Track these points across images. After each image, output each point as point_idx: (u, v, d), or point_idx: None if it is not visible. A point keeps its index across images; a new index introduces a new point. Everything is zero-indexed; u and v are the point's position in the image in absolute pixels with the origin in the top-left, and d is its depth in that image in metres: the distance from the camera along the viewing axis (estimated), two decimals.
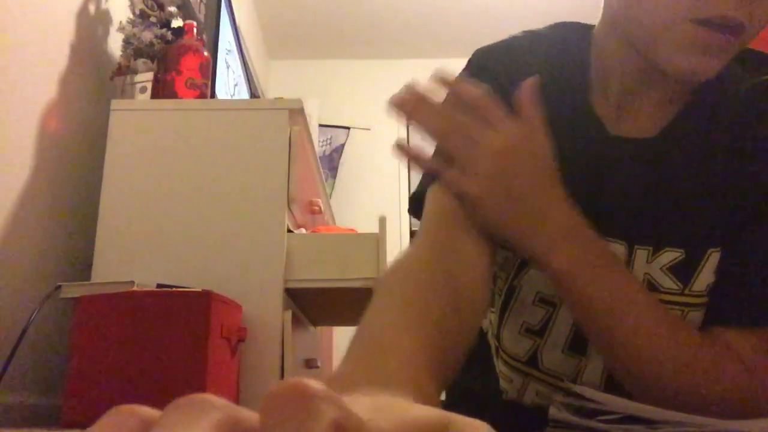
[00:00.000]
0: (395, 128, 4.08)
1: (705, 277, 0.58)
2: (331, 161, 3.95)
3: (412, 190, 0.69)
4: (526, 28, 0.71)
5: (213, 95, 1.71)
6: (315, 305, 1.79)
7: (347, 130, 4.02)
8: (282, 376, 1.39)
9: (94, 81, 1.63)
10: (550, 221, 0.54)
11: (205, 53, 1.66)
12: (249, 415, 0.17)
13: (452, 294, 0.49)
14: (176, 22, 1.70)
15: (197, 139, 1.52)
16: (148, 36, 1.63)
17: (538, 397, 0.68)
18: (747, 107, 0.60)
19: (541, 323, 0.65)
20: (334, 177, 3.91)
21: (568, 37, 0.67)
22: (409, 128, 4.11)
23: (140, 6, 1.69)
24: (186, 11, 1.92)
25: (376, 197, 3.82)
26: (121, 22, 1.68)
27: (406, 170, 3.99)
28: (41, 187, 1.40)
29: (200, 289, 1.20)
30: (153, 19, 1.68)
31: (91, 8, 1.64)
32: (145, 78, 1.59)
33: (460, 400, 0.71)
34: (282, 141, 1.53)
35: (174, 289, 1.23)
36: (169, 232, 1.45)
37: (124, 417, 0.17)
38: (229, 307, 1.28)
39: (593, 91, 0.64)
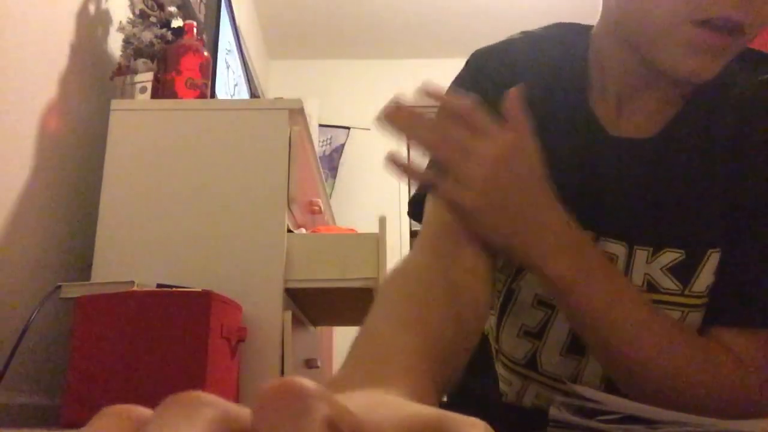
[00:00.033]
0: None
1: (705, 277, 0.58)
2: (331, 161, 3.95)
3: (412, 191, 0.69)
4: (526, 29, 0.71)
5: (213, 95, 1.71)
6: (315, 305, 1.79)
7: (347, 130, 4.02)
8: (282, 376, 1.39)
9: (94, 81, 1.63)
10: (546, 229, 0.53)
11: (205, 53, 1.66)
12: (242, 412, 0.17)
13: (453, 299, 0.49)
14: (176, 22, 1.70)
15: (197, 139, 1.52)
16: (148, 36, 1.63)
17: (537, 399, 0.68)
18: (746, 106, 0.59)
19: (539, 325, 0.65)
20: (334, 177, 3.91)
21: (567, 38, 0.67)
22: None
23: (140, 6, 1.69)
24: (186, 11, 1.92)
25: (376, 197, 3.81)
26: (121, 22, 1.68)
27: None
28: (41, 187, 1.40)
29: (200, 289, 1.20)
30: (153, 19, 1.68)
31: (91, 8, 1.64)
32: (145, 78, 1.59)
33: (460, 402, 0.71)
34: (282, 141, 1.53)
35: (174, 289, 1.23)
36: (169, 232, 1.45)
37: (115, 417, 0.17)
38: (229, 307, 1.27)
39: (592, 91, 0.64)
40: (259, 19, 3.74)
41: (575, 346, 0.63)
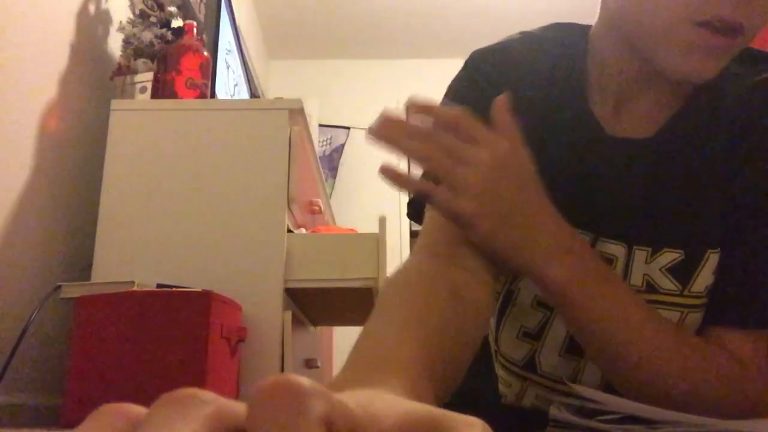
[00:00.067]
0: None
1: (704, 278, 0.58)
2: (331, 161, 3.95)
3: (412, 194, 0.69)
4: (525, 29, 0.71)
5: (213, 95, 1.71)
6: (315, 305, 1.79)
7: (347, 130, 4.02)
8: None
9: (94, 81, 1.63)
10: (543, 235, 0.53)
11: (205, 53, 1.66)
12: (238, 408, 0.17)
13: (454, 301, 0.48)
14: (176, 22, 1.70)
15: (197, 139, 1.52)
16: (148, 36, 1.63)
17: (537, 400, 0.68)
18: (745, 106, 0.59)
19: (538, 326, 0.65)
20: (334, 177, 3.91)
21: (565, 38, 0.67)
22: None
23: (140, 6, 1.69)
24: (186, 11, 1.92)
25: (376, 197, 3.81)
26: (121, 22, 1.68)
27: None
28: (41, 187, 1.40)
29: (200, 289, 1.20)
30: (153, 19, 1.68)
31: (91, 8, 1.64)
32: (145, 78, 1.59)
33: (459, 402, 0.71)
34: (282, 141, 1.53)
35: (174, 289, 1.23)
36: (169, 232, 1.45)
37: (110, 416, 0.17)
38: (229, 307, 1.27)
39: (591, 91, 0.64)
40: (259, 19, 3.74)
41: (574, 347, 0.63)
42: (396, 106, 4.15)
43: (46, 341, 1.36)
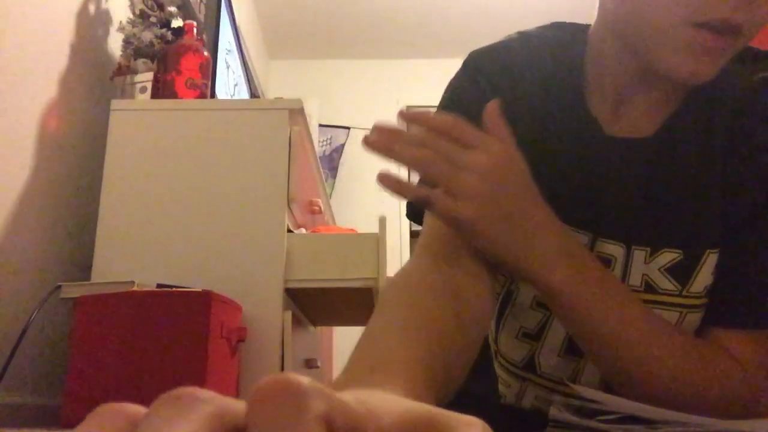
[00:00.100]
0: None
1: (703, 278, 0.58)
2: (331, 161, 3.95)
3: None
4: (525, 28, 0.71)
5: (213, 95, 1.71)
6: (315, 305, 1.79)
7: (347, 130, 4.02)
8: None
9: (94, 81, 1.63)
10: (543, 238, 0.53)
11: (205, 53, 1.66)
12: (238, 407, 0.17)
13: (454, 303, 0.48)
14: (176, 22, 1.70)
15: (197, 139, 1.52)
16: (148, 36, 1.63)
17: (536, 400, 0.68)
18: (744, 105, 0.59)
19: (538, 327, 0.65)
20: (334, 177, 3.91)
21: (563, 38, 0.67)
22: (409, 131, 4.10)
23: (140, 6, 1.69)
24: (186, 11, 1.92)
25: (376, 197, 3.81)
26: (121, 22, 1.68)
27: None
28: (41, 187, 1.40)
29: (200, 289, 1.20)
30: (153, 19, 1.68)
31: (91, 8, 1.64)
32: (145, 78, 1.59)
33: (459, 403, 0.71)
34: (282, 141, 1.53)
35: (174, 289, 1.23)
36: (169, 232, 1.45)
37: (109, 416, 0.17)
38: (229, 307, 1.27)
39: (589, 91, 0.64)
40: (259, 19, 3.74)
41: (574, 347, 0.63)
42: (396, 106, 4.15)
43: (46, 341, 1.36)
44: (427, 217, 0.62)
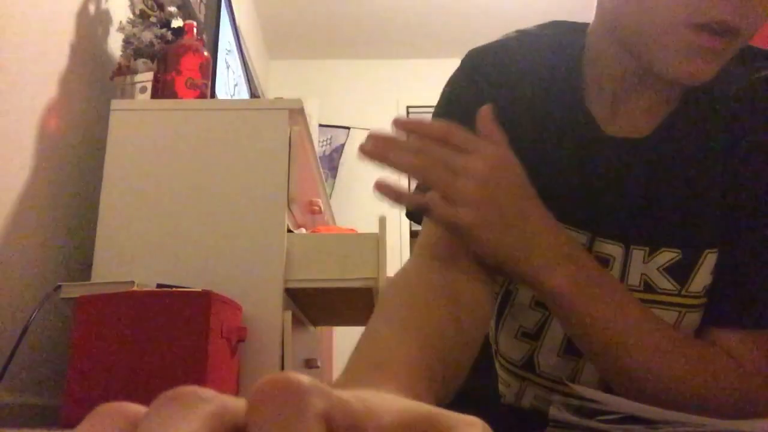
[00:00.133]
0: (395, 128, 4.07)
1: (701, 278, 0.58)
2: (331, 161, 3.95)
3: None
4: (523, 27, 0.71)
5: (213, 95, 1.71)
6: (315, 305, 1.79)
7: (347, 130, 4.02)
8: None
9: (94, 81, 1.63)
10: (542, 242, 0.53)
11: (205, 53, 1.66)
12: (239, 405, 0.17)
13: (453, 303, 0.48)
14: (176, 22, 1.70)
15: (197, 139, 1.52)
16: (148, 36, 1.63)
17: (535, 400, 0.67)
18: (743, 104, 0.59)
19: (537, 326, 0.65)
20: (334, 177, 3.91)
21: (562, 37, 0.67)
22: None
23: (140, 6, 1.69)
24: (186, 11, 1.92)
25: (375, 197, 3.81)
26: (121, 22, 1.68)
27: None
28: (41, 187, 1.40)
29: (200, 289, 1.20)
30: (153, 19, 1.68)
31: (91, 8, 1.64)
32: (145, 78, 1.59)
33: (460, 402, 0.71)
34: (282, 141, 1.53)
35: (174, 289, 1.23)
36: (169, 232, 1.45)
37: (109, 416, 0.17)
38: (229, 307, 1.27)
39: (587, 90, 0.63)
40: (259, 19, 3.74)
41: (573, 347, 0.63)
42: (396, 106, 4.15)
43: (46, 341, 1.36)
44: (426, 218, 0.62)
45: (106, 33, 1.72)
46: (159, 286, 1.28)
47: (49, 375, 1.36)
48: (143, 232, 1.45)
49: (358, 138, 4.00)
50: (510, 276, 0.62)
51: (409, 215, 0.68)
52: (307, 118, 1.76)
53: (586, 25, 0.66)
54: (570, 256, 0.54)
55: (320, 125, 3.94)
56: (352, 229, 1.94)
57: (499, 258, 0.53)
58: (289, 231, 1.53)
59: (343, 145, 3.99)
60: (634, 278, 0.60)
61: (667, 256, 0.59)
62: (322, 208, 1.98)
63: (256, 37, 3.69)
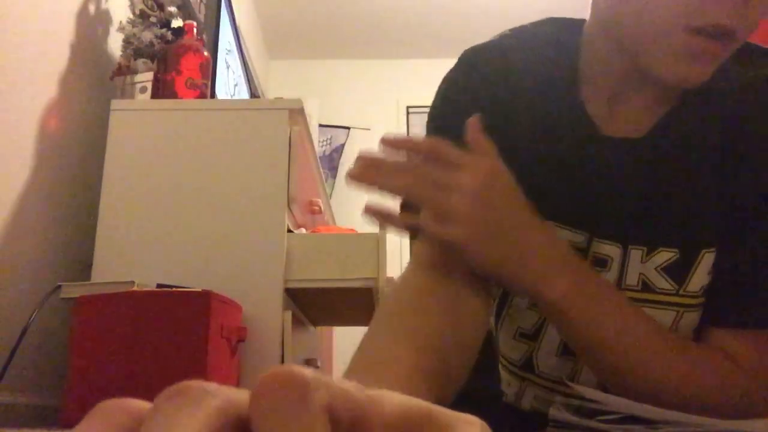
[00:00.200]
0: (395, 128, 4.08)
1: (699, 277, 0.58)
2: (331, 161, 3.95)
3: None
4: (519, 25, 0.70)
5: (213, 95, 1.71)
6: (315, 305, 1.79)
7: (347, 130, 4.02)
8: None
9: (94, 81, 1.63)
10: (536, 254, 0.53)
11: (205, 53, 1.66)
12: (243, 398, 0.16)
13: (451, 308, 0.49)
14: (176, 22, 1.70)
15: (197, 139, 1.52)
16: (148, 36, 1.63)
17: (536, 401, 0.67)
18: (742, 103, 0.58)
19: (534, 327, 0.65)
20: (334, 177, 3.91)
21: (559, 35, 0.66)
22: (409, 132, 4.12)
23: (140, 6, 1.69)
24: (186, 11, 1.92)
25: (376, 197, 3.81)
26: (121, 22, 1.68)
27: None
28: (41, 187, 1.40)
29: (200, 289, 1.20)
30: (153, 19, 1.68)
31: (91, 8, 1.64)
32: (145, 78, 1.59)
33: (463, 401, 0.71)
34: (282, 141, 1.53)
35: (174, 289, 1.23)
36: (169, 232, 1.45)
37: (111, 412, 0.16)
38: (229, 307, 1.27)
39: (584, 89, 0.63)
40: (259, 19, 3.74)
41: (571, 348, 0.63)
42: (396, 106, 4.15)
43: (46, 341, 1.36)
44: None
45: (106, 33, 1.72)
46: (159, 286, 1.28)
47: (49, 375, 1.36)
48: (143, 232, 1.45)
49: (358, 138, 4.00)
50: (507, 288, 0.62)
51: (404, 209, 0.68)
52: (307, 118, 1.76)
53: (582, 21, 0.65)
54: (566, 264, 0.53)
55: (320, 125, 3.94)
56: (352, 229, 1.94)
57: (495, 272, 0.53)
58: (289, 231, 1.53)
59: (343, 145, 3.99)
60: (632, 278, 0.60)
61: (664, 255, 0.59)
62: (322, 208, 1.98)
63: (256, 37, 3.69)
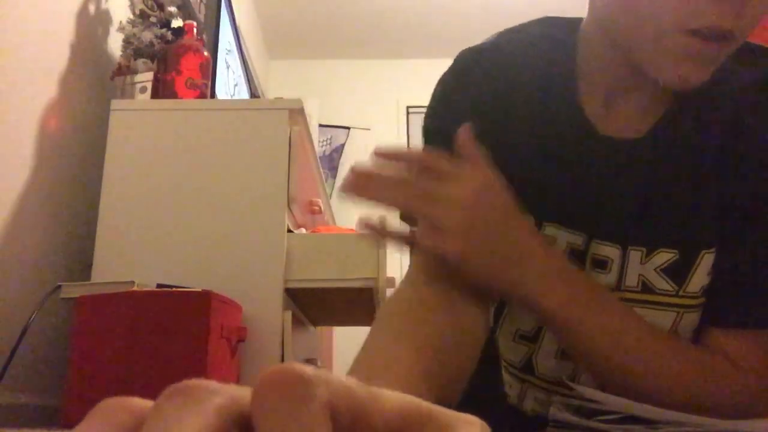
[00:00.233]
0: (395, 128, 4.07)
1: (699, 278, 0.58)
2: (331, 161, 3.95)
3: None
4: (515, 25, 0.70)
5: (213, 95, 1.71)
6: (315, 305, 1.79)
7: (347, 130, 4.02)
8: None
9: (94, 81, 1.63)
10: (532, 264, 0.53)
11: (205, 53, 1.66)
12: (245, 396, 0.16)
13: (450, 313, 0.49)
14: (176, 22, 1.70)
15: (197, 139, 1.52)
16: (148, 36, 1.63)
17: (536, 403, 0.67)
18: (741, 103, 0.58)
19: (534, 329, 0.65)
20: (334, 177, 3.91)
21: (554, 34, 0.65)
22: (409, 132, 4.12)
23: (140, 6, 1.69)
24: (186, 11, 1.92)
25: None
26: (121, 22, 1.68)
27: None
28: (41, 187, 1.40)
29: (200, 289, 1.20)
30: (153, 19, 1.68)
31: (91, 8, 1.64)
32: (145, 78, 1.59)
33: (465, 401, 0.71)
34: (282, 141, 1.53)
35: (174, 289, 1.23)
36: (169, 232, 1.45)
37: (113, 411, 0.16)
38: (229, 307, 1.27)
39: (582, 90, 0.62)
40: (259, 19, 3.74)
41: (569, 355, 0.63)
42: (396, 106, 4.15)
43: (46, 341, 1.36)
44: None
45: (106, 33, 1.72)
46: (159, 286, 1.28)
47: (49, 375, 1.36)
48: (143, 232, 1.45)
49: (358, 138, 4.00)
50: (504, 298, 0.62)
51: (402, 217, 0.68)
52: (307, 118, 1.76)
53: (579, 20, 0.65)
54: (562, 274, 0.53)
55: (320, 125, 3.94)
56: (352, 229, 1.94)
57: (491, 283, 0.53)
58: (289, 231, 1.53)
59: (343, 145, 3.99)
60: (631, 279, 0.60)
61: (664, 256, 0.59)
62: (322, 208, 1.98)
63: (256, 37, 3.69)
